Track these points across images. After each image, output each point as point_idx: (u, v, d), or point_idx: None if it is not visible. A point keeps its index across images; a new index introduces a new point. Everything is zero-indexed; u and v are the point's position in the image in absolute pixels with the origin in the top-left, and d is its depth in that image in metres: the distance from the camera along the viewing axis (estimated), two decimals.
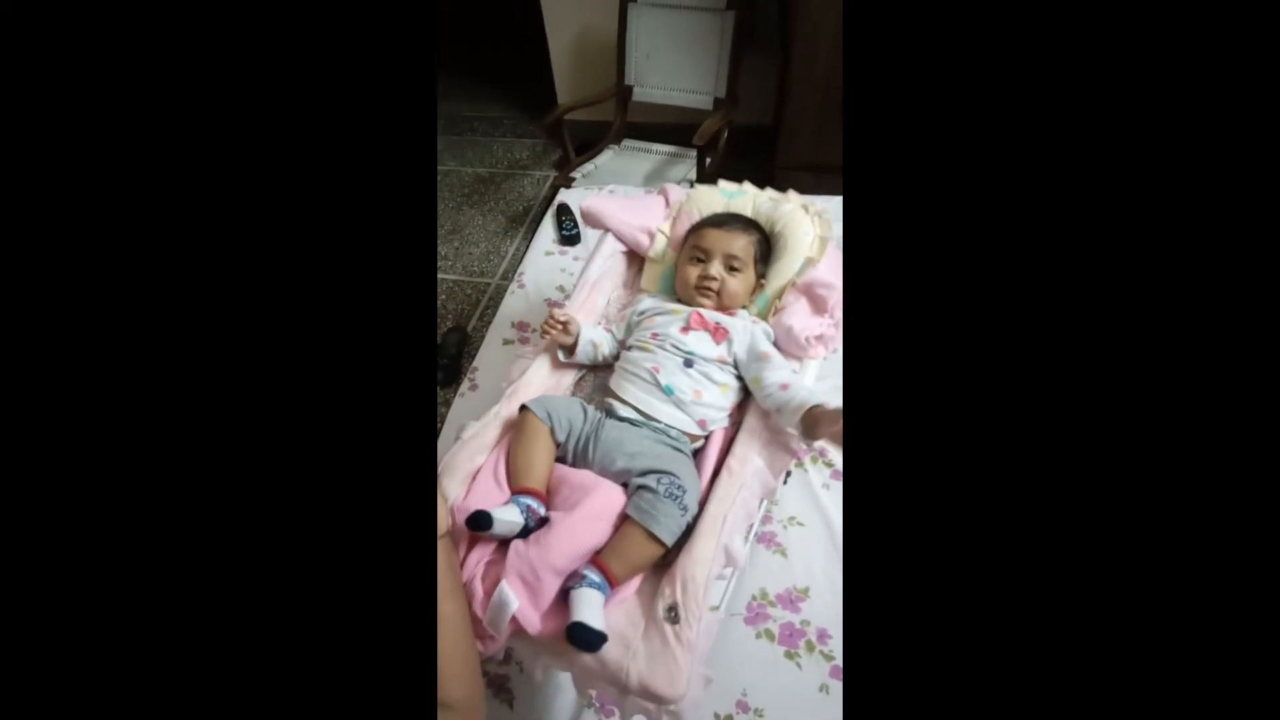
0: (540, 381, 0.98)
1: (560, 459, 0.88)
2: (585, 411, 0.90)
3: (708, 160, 1.85)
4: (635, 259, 1.18)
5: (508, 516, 0.76)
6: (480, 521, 0.74)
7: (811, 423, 0.79)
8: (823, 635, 0.97)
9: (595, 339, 1.00)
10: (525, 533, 0.76)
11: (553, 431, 0.86)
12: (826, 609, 1.00)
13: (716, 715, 0.90)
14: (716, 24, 1.87)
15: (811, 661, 0.95)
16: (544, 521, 0.78)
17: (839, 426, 0.75)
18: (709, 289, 0.99)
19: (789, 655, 0.96)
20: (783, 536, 1.08)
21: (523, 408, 0.88)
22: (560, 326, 0.96)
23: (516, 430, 0.87)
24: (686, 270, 1.01)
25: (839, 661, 0.94)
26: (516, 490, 0.81)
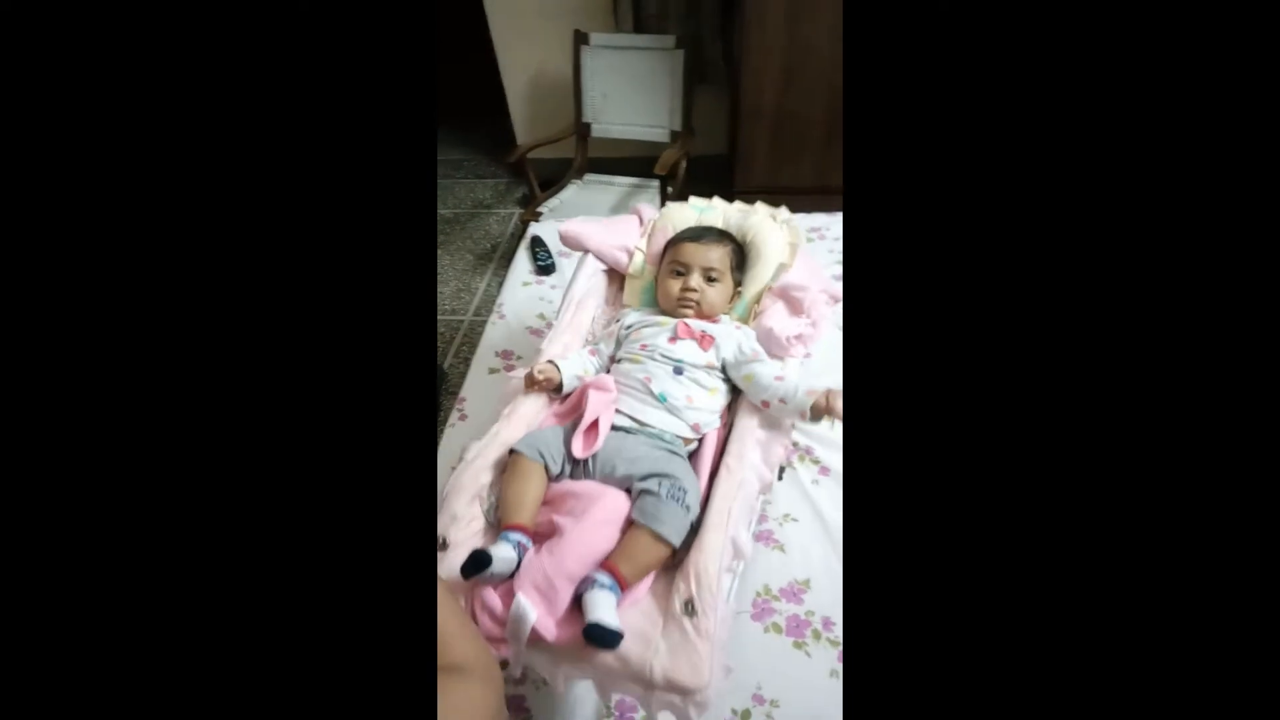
0: (536, 401, 1.00)
1: (562, 476, 0.90)
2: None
3: (669, 189, 1.93)
4: (615, 277, 1.23)
5: (504, 554, 0.76)
6: (480, 560, 0.73)
7: (826, 401, 0.85)
8: (827, 623, 1.00)
9: (579, 371, 1.02)
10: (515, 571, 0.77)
11: (547, 468, 0.87)
12: (828, 597, 1.03)
13: (734, 711, 0.91)
14: (667, 62, 1.99)
15: (819, 649, 0.98)
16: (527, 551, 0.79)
17: None
18: (690, 300, 1.04)
19: (797, 645, 0.98)
20: (779, 533, 1.12)
21: (512, 451, 0.88)
22: (544, 380, 0.98)
23: (509, 471, 0.87)
24: (668, 284, 1.07)
25: None
26: (507, 526, 0.81)
